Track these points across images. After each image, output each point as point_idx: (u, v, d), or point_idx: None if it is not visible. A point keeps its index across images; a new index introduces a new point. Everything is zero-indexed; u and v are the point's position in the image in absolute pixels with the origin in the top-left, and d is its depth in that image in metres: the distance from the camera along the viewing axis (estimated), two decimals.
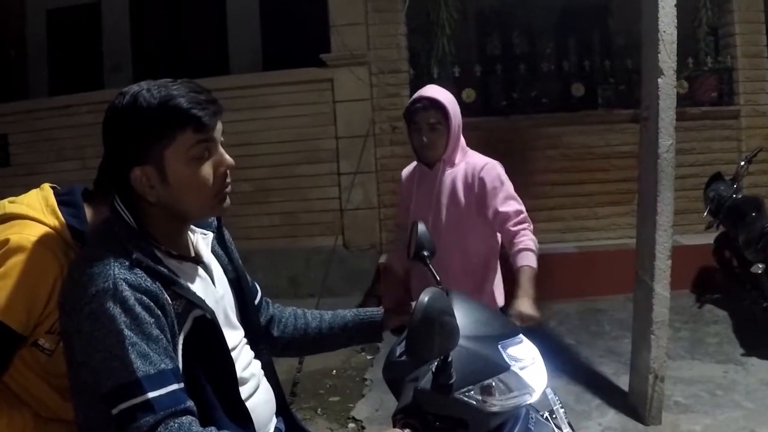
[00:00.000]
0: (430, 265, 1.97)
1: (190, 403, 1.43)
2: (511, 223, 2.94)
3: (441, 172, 3.12)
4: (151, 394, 1.36)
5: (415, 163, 3.31)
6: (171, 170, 1.53)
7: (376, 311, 2.02)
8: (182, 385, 1.43)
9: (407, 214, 3.27)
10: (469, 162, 3.11)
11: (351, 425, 4.34)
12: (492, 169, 3.05)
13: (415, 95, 3.11)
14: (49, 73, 9.17)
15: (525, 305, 2.66)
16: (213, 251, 1.78)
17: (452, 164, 3.12)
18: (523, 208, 3.00)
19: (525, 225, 2.95)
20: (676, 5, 3.87)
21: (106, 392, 1.39)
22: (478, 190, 3.03)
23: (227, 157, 1.60)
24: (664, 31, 3.85)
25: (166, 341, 1.44)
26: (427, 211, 3.10)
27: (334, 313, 2.04)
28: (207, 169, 1.56)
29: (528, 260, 2.85)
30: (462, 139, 3.16)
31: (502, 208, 2.97)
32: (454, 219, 3.09)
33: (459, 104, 3.10)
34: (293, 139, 7.18)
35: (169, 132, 1.51)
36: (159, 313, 1.45)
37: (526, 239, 2.90)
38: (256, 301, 1.93)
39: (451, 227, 3.08)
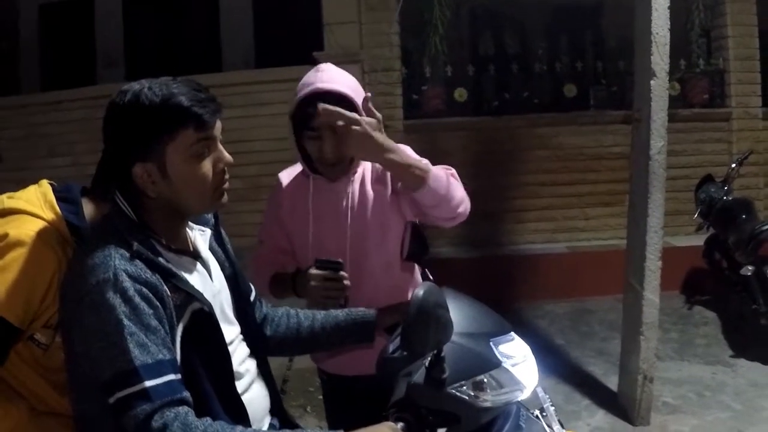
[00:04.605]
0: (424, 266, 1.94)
1: (187, 394, 1.44)
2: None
3: (350, 186, 2.30)
4: (149, 383, 1.38)
5: (299, 168, 2.47)
6: (172, 166, 1.56)
7: (368, 311, 2.01)
8: (179, 375, 1.45)
9: (279, 235, 2.44)
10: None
11: None
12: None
13: (306, 89, 2.17)
14: (41, 68, 9.13)
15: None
16: (210, 248, 1.80)
17: (356, 168, 2.32)
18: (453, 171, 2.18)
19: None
20: (668, 7, 3.88)
21: (104, 381, 1.40)
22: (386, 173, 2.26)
23: (226, 154, 1.63)
24: (657, 33, 3.86)
25: (164, 332, 1.46)
26: (340, 238, 2.26)
27: (327, 312, 2.03)
28: (206, 166, 1.59)
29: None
30: None
31: None
32: (379, 235, 2.28)
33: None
34: (286, 136, 7.04)
35: (171, 130, 1.53)
36: (158, 304, 1.47)
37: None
38: (251, 299, 1.94)
39: (378, 245, 2.29)
